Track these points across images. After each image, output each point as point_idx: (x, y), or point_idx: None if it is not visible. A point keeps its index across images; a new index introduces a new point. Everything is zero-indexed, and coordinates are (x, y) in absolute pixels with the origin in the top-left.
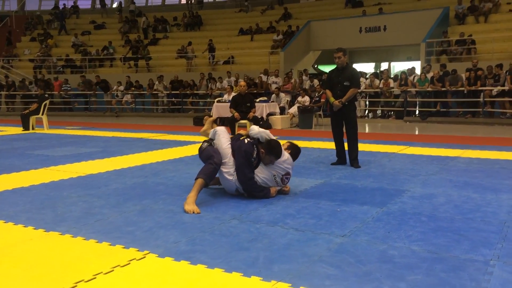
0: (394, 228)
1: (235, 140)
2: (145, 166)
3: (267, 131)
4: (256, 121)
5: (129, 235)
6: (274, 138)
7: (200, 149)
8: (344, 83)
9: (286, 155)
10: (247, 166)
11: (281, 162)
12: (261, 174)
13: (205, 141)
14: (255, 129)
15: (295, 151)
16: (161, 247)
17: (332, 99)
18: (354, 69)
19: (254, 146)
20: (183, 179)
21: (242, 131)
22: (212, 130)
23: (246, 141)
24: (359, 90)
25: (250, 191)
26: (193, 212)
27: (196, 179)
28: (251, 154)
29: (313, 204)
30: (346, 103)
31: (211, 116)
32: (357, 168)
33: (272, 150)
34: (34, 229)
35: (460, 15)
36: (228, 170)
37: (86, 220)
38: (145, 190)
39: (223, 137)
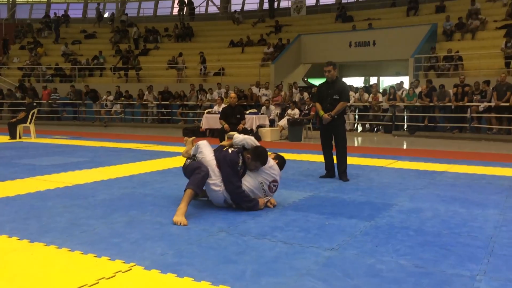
0: (382, 242)
1: (219, 152)
2: (133, 176)
3: (252, 138)
4: (246, 133)
5: (115, 247)
6: (260, 144)
7: (184, 167)
8: (334, 97)
9: (271, 162)
10: (234, 175)
11: (267, 168)
12: (248, 182)
13: (187, 158)
14: (239, 137)
15: (281, 161)
16: (148, 259)
17: (321, 112)
18: (344, 83)
19: (239, 154)
20: (172, 190)
21: (224, 142)
22: (194, 146)
23: (230, 150)
24: (348, 104)
25: (239, 200)
26: (181, 224)
27: (185, 190)
28: (237, 162)
29: (301, 217)
30: (336, 116)
31: (200, 128)
32: (346, 182)
33: (258, 155)
34: (18, 239)
35: (448, 32)
36: (215, 182)
37: (71, 231)
38: (132, 201)
39: (206, 150)
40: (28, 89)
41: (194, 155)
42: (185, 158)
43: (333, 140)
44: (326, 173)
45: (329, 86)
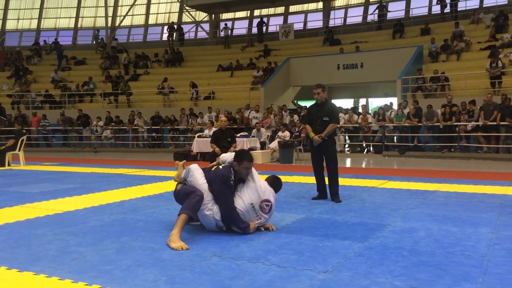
0: (376, 263)
1: (208, 172)
2: (124, 202)
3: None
4: None
5: (106, 274)
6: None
7: (175, 192)
8: (324, 118)
9: (261, 181)
10: (227, 191)
11: (257, 186)
12: (239, 205)
13: (178, 183)
14: (226, 155)
15: (272, 180)
16: (140, 286)
17: (312, 134)
18: (333, 105)
19: (231, 169)
20: (163, 216)
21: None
22: (185, 169)
23: (221, 167)
24: (338, 125)
25: (230, 219)
26: (182, 249)
27: (179, 214)
28: (229, 177)
29: (294, 239)
30: (326, 138)
31: (191, 151)
32: (338, 203)
33: (241, 156)
34: (7, 269)
35: (433, 54)
36: (206, 205)
37: (61, 259)
38: (123, 227)
39: (197, 173)
40: (18, 116)
41: (185, 179)
42: (176, 183)
43: (324, 161)
44: (318, 195)
45: (319, 108)
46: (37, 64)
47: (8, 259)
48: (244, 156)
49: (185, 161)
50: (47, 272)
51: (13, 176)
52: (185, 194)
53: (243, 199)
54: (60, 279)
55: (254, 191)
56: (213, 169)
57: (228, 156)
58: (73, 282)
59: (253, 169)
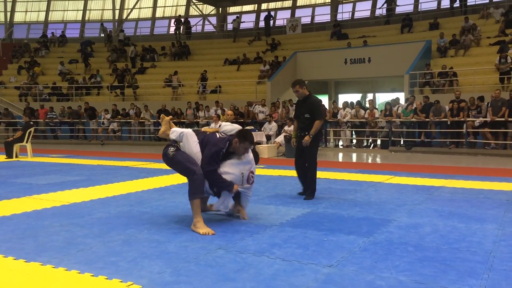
0: (381, 258)
1: (203, 135)
2: (130, 194)
3: (237, 125)
4: None
5: (112, 266)
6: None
7: (166, 155)
8: (305, 115)
9: (250, 153)
10: (214, 158)
11: (249, 159)
12: (230, 170)
13: (169, 145)
14: (227, 126)
15: (240, 133)
16: (145, 278)
17: (293, 134)
18: (315, 100)
19: (227, 142)
20: (169, 208)
21: (206, 128)
22: (179, 132)
23: (218, 135)
24: (322, 121)
25: (212, 181)
26: (209, 234)
27: (190, 201)
28: (222, 149)
29: (299, 233)
30: (303, 134)
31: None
32: (309, 200)
33: (245, 136)
34: (14, 259)
35: (442, 48)
36: None
37: (68, 250)
38: (129, 219)
39: (192, 141)
40: (27, 108)
41: (175, 142)
42: (168, 146)
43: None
44: (303, 189)
45: (301, 104)
46: (45, 56)
47: (15, 249)
48: (247, 137)
49: (171, 116)
50: (54, 262)
51: (20, 168)
52: (183, 169)
53: (238, 167)
54: (66, 270)
55: (247, 162)
56: (208, 133)
57: (229, 128)
58: (79, 272)
59: None
